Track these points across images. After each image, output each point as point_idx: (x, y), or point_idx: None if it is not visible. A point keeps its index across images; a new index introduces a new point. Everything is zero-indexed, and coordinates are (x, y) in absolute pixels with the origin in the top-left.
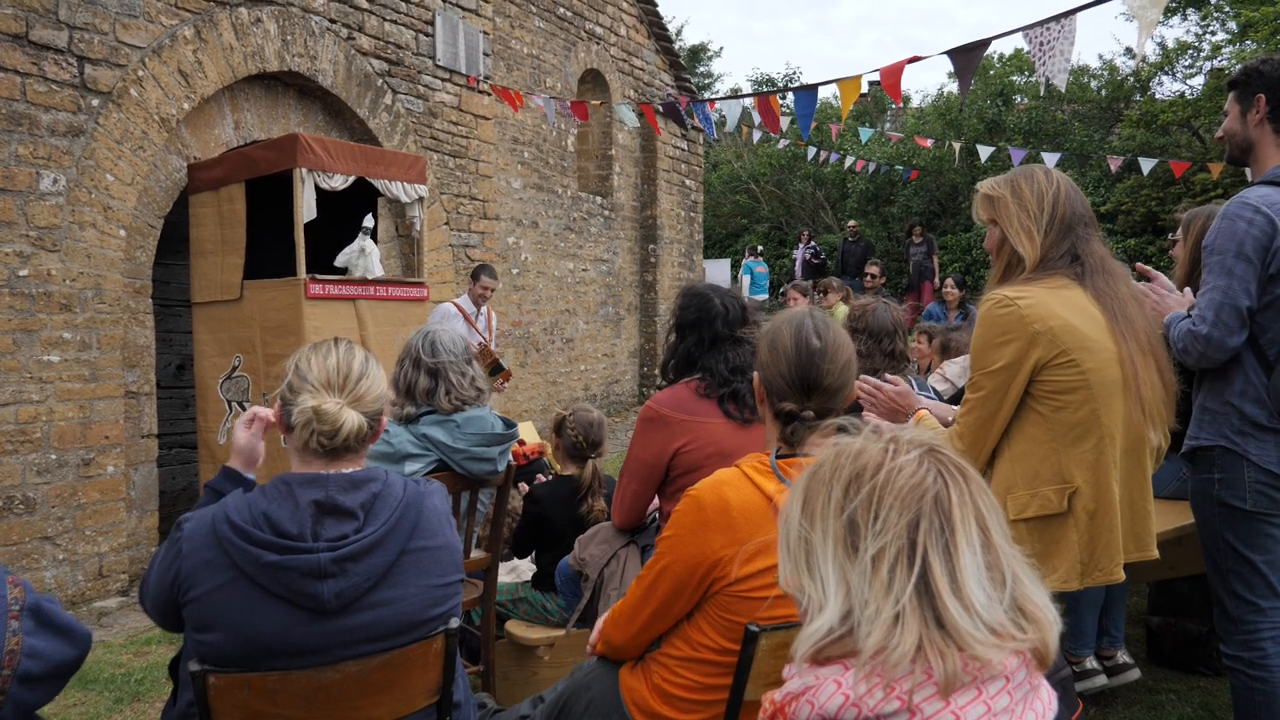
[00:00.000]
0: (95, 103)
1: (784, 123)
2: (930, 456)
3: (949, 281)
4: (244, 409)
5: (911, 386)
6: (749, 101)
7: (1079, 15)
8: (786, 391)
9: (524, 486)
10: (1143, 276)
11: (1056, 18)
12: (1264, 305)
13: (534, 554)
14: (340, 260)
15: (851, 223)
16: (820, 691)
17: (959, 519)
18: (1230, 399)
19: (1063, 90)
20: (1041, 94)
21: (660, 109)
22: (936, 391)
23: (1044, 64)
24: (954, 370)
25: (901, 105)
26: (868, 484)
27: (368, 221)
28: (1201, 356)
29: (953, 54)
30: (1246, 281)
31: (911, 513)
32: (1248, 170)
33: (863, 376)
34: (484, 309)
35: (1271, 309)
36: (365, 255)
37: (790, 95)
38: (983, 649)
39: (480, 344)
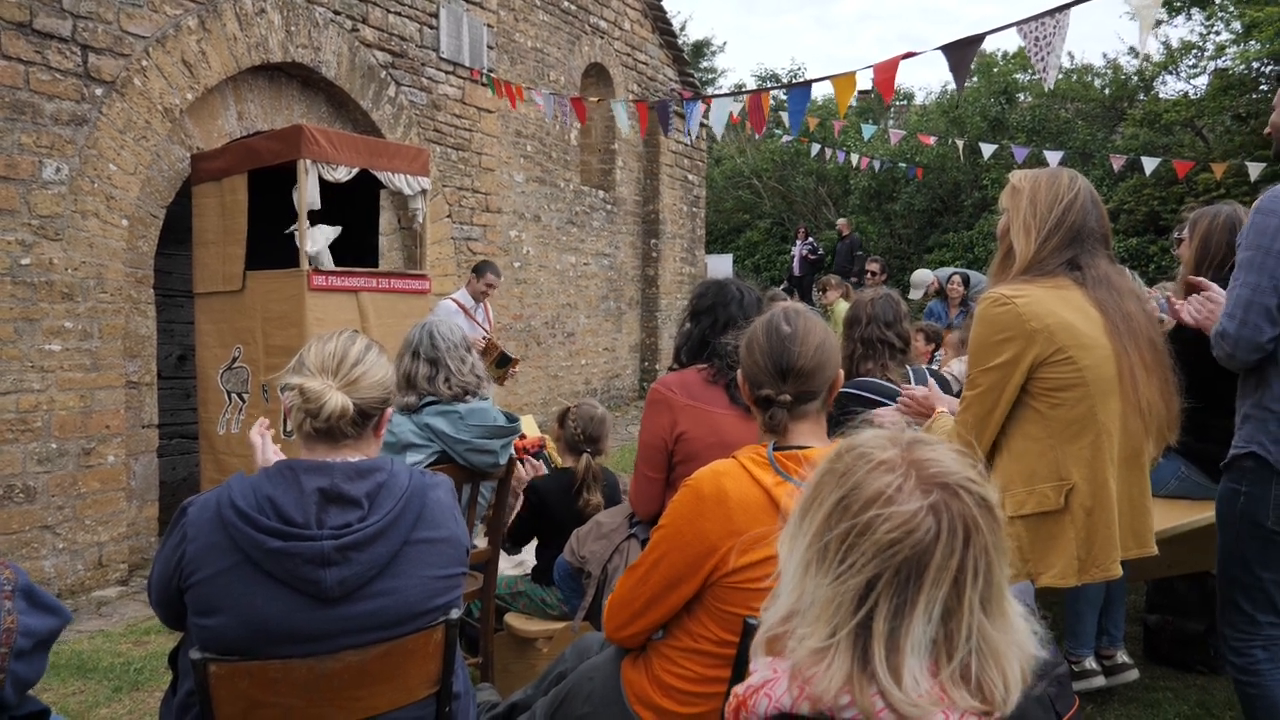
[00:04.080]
0: (99, 92)
1: (785, 119)
2: (941, 504)
3: (954, 279)
4: (243, 400)
5: (909, 377)
6: (745, 101)
7: (1080, 13)
8: (763, 379)
9: (528, 463)
10: (1194, 289)
11: (1050, 12)
12: None
13: (535, 547)
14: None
15: (841, 221)
16: (777, 685)
17: (928, 583)
18: (1268, 404)
19: (1049, 88)
20: (1048, 89)
21: (654, 107)
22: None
23: (1039, 59)
24: (957, 369)
25: (893, 103)
26: (849, 520)
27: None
28: (1230, 356)
29: (947, 49)
30: (1277, 279)
31: (876, 568)
32: (1249, 168)
33: (905, 388)
34: (482, 304)
35: None
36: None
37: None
38: (906, 708)
39: (485, 338)
